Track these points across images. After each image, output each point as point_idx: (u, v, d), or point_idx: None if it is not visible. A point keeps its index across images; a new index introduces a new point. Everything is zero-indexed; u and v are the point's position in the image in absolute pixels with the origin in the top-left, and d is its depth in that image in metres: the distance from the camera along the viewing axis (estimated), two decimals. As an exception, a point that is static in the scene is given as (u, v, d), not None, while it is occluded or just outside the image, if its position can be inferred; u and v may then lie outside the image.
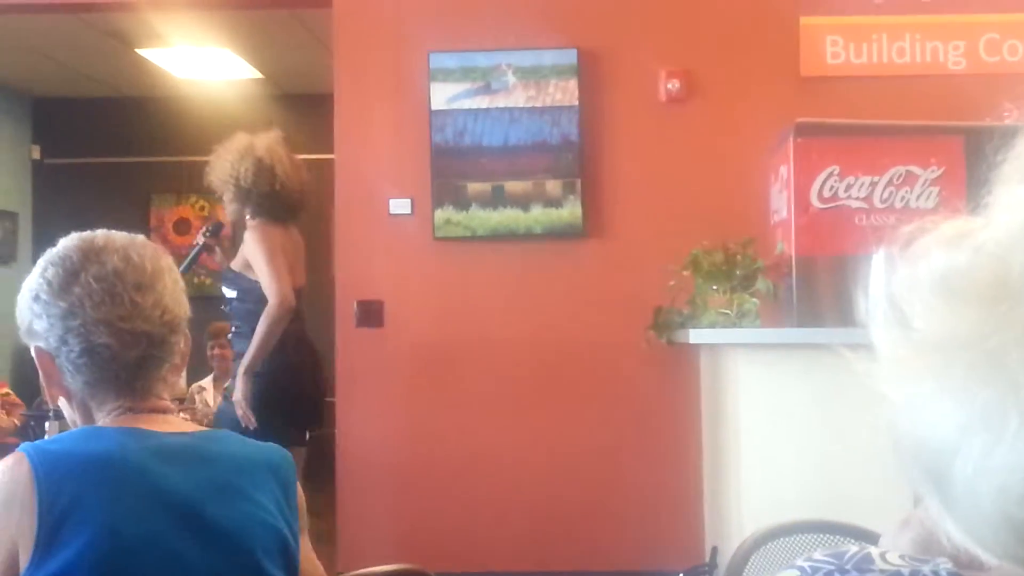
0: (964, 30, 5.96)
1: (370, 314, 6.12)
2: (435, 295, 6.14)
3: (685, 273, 5.00)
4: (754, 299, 4.77)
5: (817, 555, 0.76)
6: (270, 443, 2.05)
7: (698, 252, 4.95)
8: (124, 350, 1.88)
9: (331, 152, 6.40)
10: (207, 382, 7.63)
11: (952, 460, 0.68)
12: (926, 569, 0.73)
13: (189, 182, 10.70)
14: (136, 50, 9.15)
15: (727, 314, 4.77)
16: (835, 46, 6.02)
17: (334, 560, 5.59)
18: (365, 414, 6.14)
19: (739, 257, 4.88)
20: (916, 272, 0.72)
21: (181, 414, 7.06)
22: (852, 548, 0.76)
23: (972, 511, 0.68)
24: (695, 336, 4.78)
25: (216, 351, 7.53)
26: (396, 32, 6.26)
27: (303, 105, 9.90)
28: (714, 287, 4.86)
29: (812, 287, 4.62)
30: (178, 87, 10.20)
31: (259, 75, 9.95)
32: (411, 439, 6.11)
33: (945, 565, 0.73)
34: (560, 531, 5.98)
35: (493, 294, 6.10)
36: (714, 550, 4.89)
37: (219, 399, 7.21)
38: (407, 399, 6.12)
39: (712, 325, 4.80)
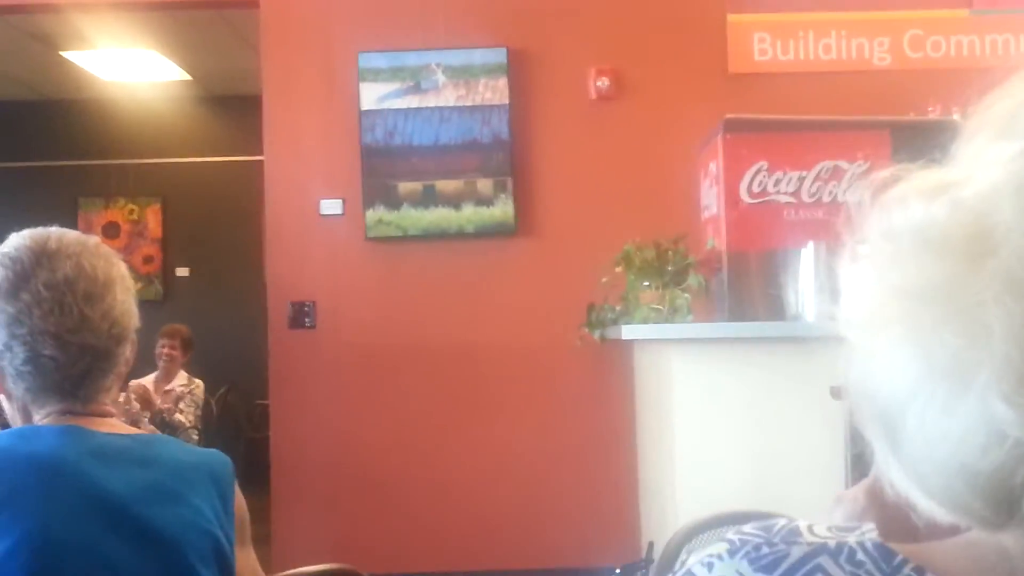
0: (889, 27, 6.03)
1: (302, 315, 6.09)
2: (368, 295, 6.12)
3: (617, 270, 5.01)
4: (686, 294, 4.79)
5: (747, 528, 0.76)
6: (212, 449, 2.03)
7: (630, 248, 4.96)
8: (69, 362, 1.85)
9: (260, 154, 6.35)
10: (148, 381, 7.52)
11: (908, 407, 0.68)
12: (851, 539, 0.72)
13: (117, 185, 10.61)
14: (60, 52, 9.03)
15: (659, 310, 4.78)
16: (762, 43, 6.08)
17: (269, 563, 5.52)
18: (299, 416, 6.10)
19: (670, 253, 4.90)
20: (892, 221, 0.72)
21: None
22: (781, 521, 0.76)
23: (924, 458, 0.68)
24: (628, 332, 4.79)
25: (165, 351, 7.43)
26: (324, 32, 6.23)
27: (231, 107, 9.84)
28: (646, 283, 4.88)
29: (743, 281, 4.65)
30: (104, 89, 10.08)
31: (187, 77, 9.85)
32: (345, 440, 6.08)
33: (870, 535, 0.73)
34: (496, 530, 5.98)
35: (426, 293, 6.09)
36: (650, 545, 4.91)
37: (159, 399, 7.14)
38: (341, 400, 6.09)
39: (644, 321, 4.81)
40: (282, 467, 6.11)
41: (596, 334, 5.41)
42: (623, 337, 4.88)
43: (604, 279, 5.14)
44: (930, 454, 0.68)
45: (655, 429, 5.03)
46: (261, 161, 6.36)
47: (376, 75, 6.12)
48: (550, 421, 6.01)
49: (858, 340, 0.73)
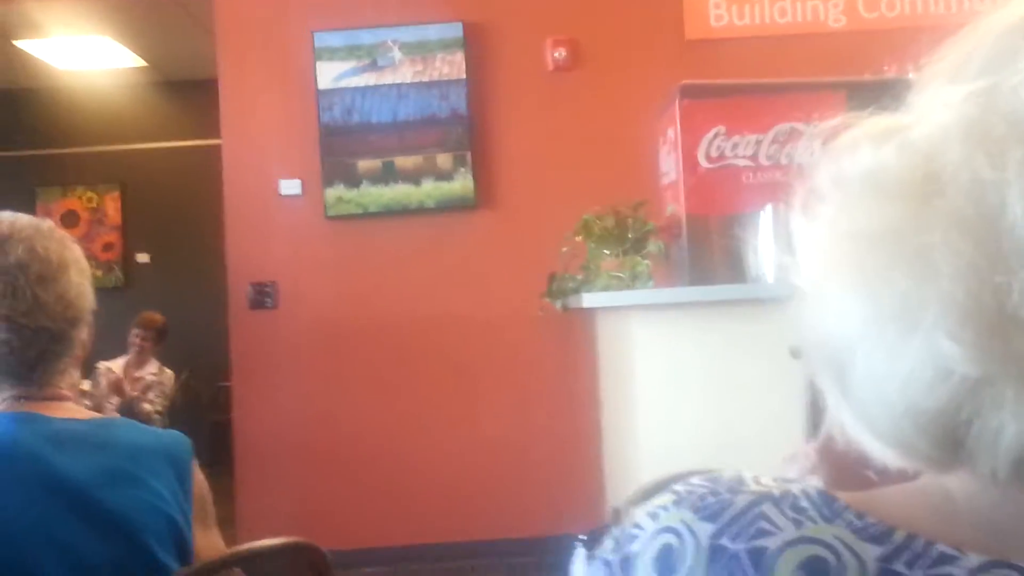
0: (843, -12, 6.05)
1: (264, 296, 6.07)
2: (329, 274, 6.10)
3: (577, 239, 5.00)
4: (646, 261, 4.79)
5: (693, 479, 0.77)
6: (170, 430, 2.02)
7: (589, 217, 4.95)
8: (24, 346, 1.84)
9: (218, 137, 6.31)
10: (117, 364, 7.46)
11: (858, 348, 0.69)
12: (795, 489, 0.74)
13: (75, 173, 10.54)
14: (13, 42, 8.94)
15: (620, 277, 4.78)
16: (718, 8, 6.09)
17: (235, 544, 5.52)
18: (262, 397, 6.09)
19: (630, 220, 4.89)
20: (841, 166, 0.72)
21: (84, 385, 6.95)
22: (727, 472, 0.77)
23: (873, 399, 0.69)
24: (589, 300, 4.78)
25: (137, 340, 7.40)
26: (278, 12, 6.19)
27: (188, 92, 9.79)
28: (606, 251, 4.87)
29: (703, 246, 4.65)
30: (59, 78, 10.00)
31: (142, 63, 9.78)
32: (309, 420, 6.06)
33: (814, 484, 0.74)
34: (463, 502, 5.99)
35: (387, 270, 6.07)
36: (615, 511, 4.91)
37: (128, 386, 7.11)
38: (304, 380, 6.07)
39: (606, 289, 4.80)
40: (246, 448, 6.10)
41: (558, 304, 5.40)
42: (584, 305, 4.88)
43: (564, 249, 5.14)
44: (879, 395, 0.69)
45: (618, 395, 5.04)
46: (219, 145, 6.31)
47: (332, 54, 6.10)
48: (514, 392, 6.01)
49: (810, 288, 0.74)
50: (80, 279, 1.90)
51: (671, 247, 4.82)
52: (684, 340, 4.44)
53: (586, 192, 5.49)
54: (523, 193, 6.07)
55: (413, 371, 6.05)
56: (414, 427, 6.03)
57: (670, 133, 4.91)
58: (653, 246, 4.81)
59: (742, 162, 4.68)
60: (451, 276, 6.05)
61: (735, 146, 4.70)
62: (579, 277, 5.19)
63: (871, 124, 0.73)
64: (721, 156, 4.69)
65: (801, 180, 0.75)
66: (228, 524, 5.65)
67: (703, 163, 4.69)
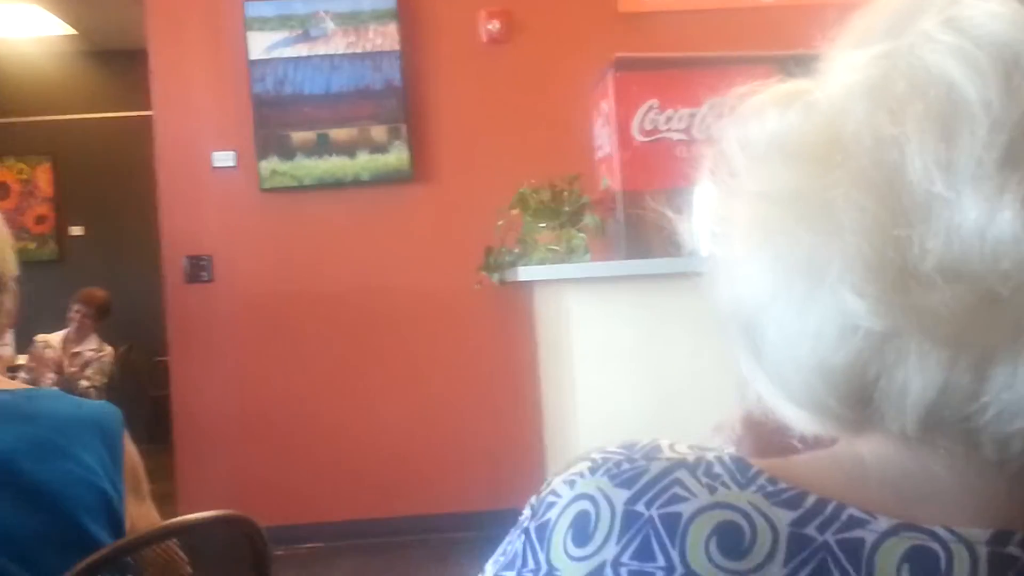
0: (775, -38, 6.07)
1: (199, 269, 6.03)
2: (265, 247, 6.07)
3: (513, 212, 5.01)
4: (582, 234, 4.81)
5: (610, 447, 0.78)
6: (99, 401, 1.99)
7: (525, 191, 4.96)
8: None
9: (150, 109, 6.24)
10: (55, 339, 7.38)
11: (768, 310, 0.70)
12: (710, 456, 0.74)
13: (5, 144, 10.37)
14: (-62, 10, 8.78)
15: (556, 250, 4.80)
16: (651, -19, 6.09)
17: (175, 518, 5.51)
18: (199, 371, 6.06)
19: (566, 194, 4.90)
20: (748, 131, 0.73)
21: (21, 360, 6.87)
22: (643, 440, 0.78)
23: (784, 359, 0.70)
24: (525, 274, 4.80)
25: (77, 316, 7.32)
26: (209, -19, 6.12)
27: (119, 61, 9.66)
28: (542, 224, 4.88)
29: (638, 220, 4.67)
30: (-14, 47, 9.83)
31: (72, 31, 9.63)
32: (247, 394, 6.04)
33: (729, 451, 0.75)
34: (405, 477, 6.00)
35: (323, 243, 6.05)
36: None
37: (67, 361, 7.05)
38: (242, 353, 6.05)
39: (542, 262, 4.82)
40: (184, 423, 6.07)
41: (495, 277, 5.42)
42: (521, 279, 4.89)
43: (500, 222, 5.15)
44: (790, 355, 0.70)
45: (556, 368, 5.06)
46: (151, 116, 6.25)
47: (263, 24, 6.04)
48: (453, 366, 6.02)
49: (720, 252, 0.75)
50: (1, 243, 1.88)
51: (607, 220, 4.84)
52: (620, 313, 4.47)
53: (522, 165, 5.49)
54: (459, 166, 6.07)
55: (350, 345, 6.05)
56: (351, 402, 6.03)
57: (604, 106, 4.92)
58: (589, 219, 4.83)
59: (676, 136, 4.70)
60: (387, 249, 6.04)
61: (669, 120, 4.72)
62: (515, 250, 5.20)
63: (776, 89, 0.74)
64: (655, 130, 4.71)
65: (710, 148, 0.76)
66: (169, 500, 5.64)
67: (637, 137, 4.71)
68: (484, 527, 5.30)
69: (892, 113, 0.67)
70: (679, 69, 4.93)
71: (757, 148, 0.72)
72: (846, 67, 0.71)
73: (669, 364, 4.36)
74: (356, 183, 6.04)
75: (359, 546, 5.89)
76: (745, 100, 0.74)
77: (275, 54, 6.05)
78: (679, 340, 4.32)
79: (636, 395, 4.40)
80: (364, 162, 6.02)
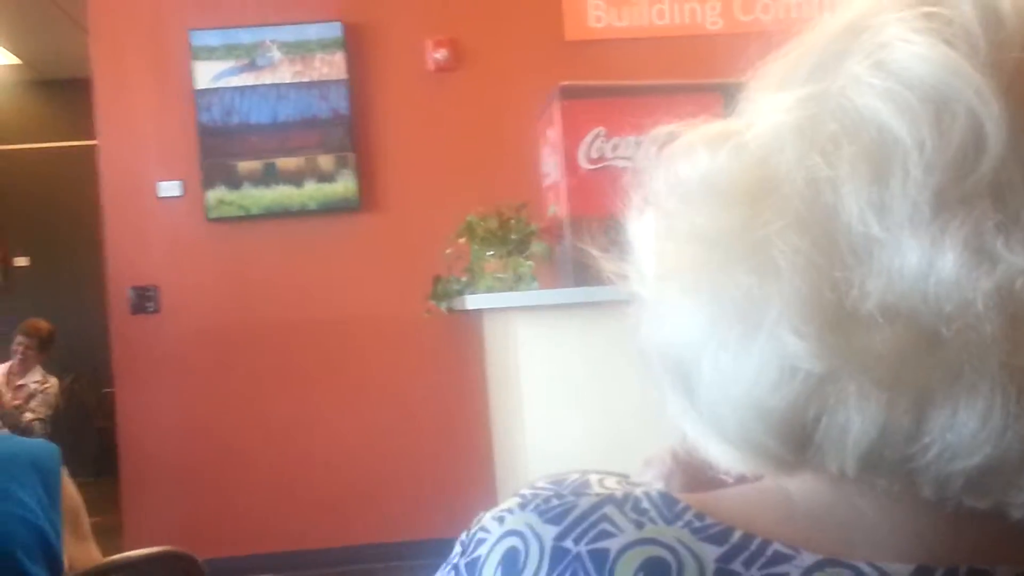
0: (720, -9, 6.13)
1: (145, 300, 5.98)
2: (211, 277, 6.03)
3: (461, 241, 5.01)
4: (529, 262, 4.81)
5: (539, 483, 0.78)
6: (36, 439, 1.98)
7: (472, 219, 4.96)
8: None
9: (95, 138, 6.19)
10: (1, 370, 7.29)
11: (703, 352, 0.70)
12: (638, 491, 0.75)
13: (-52, 175, 10.26)
14: None
15: (503, 278, 4.80)
16: (597, 10, 6.12)
17: (121, 552, 5.44)
18: (145, 403, 6.00)
19: (513, 222, 4.91)
20: (678, 171, 0.73)
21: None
22: (573, 475, 0.78)
23: (720, 401, 0.70)
24: (473, 302, 4.80)
25: (20, 348, 7.23)
26: (154, 10, 6.09)
27: (64, 90, 9.59)
28: (490, 253, 4.88)
29: (595, 256, 4.68)
30: (-72, 76, 9.75)
31: (15, 60, 9.56)
32: (193, 426, 5.99)
33: (657, 486, 0.75)
34: (355, 506, 5.96)
35: (271, 273, 6.02)
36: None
37: (10, 394, 6.96)
38: (188, 384, 6.00)
39: (489, 290, 4.82)
40: (130, 455, 6.01)
41: (443, 306, 5.41)
42: (469, 307, 4.89)
43: (448, 251, 5.14)
44: (727, 396, 0.69)
45: (505, 396, 5.06)
46: (96, 146, 6.20)
47: (209, 53, 6.02)
48: (402, 395, 6.00)
49: (649, 293, 0.74)
50: None
51: (554, 248, 4.85)
52: (568, 341, 4.47)
53: (469, 193, 5.50)
54: (406, 194, 6.06)
55: (298, 375, 6.01)
56: (299, 432, 5.99)
57: (550, 134, 4.93)
58: (536, 247, 4.83)
59: (623, 163, 4.71)
60: (335, 279, 6.02)
61: (615, 147, 4.73)
62: (463, 279, 5.20)
63: (706, 129, 0.74)
64: (602, 157, 4.73)
65: (637, 186, 0.76)
66: (115, 533, 5.58)
67: (584, 164, 4.72)
68: (435, 555, 5.27)
69: (825, 155, 0.67)
70: (625, 97, 4.95)
71: (688, 189, 0.72)
72: (773, 108, 0.71)
73: (618, 391, 4.36)
74: (303, 212, 6.01)
75: (309, 576, 5.85)
76: (673, 139, 0.75)
77: (221, 83, 6.03)
78: (627, 367, 4.32)
79: (585, 422, 4.40)
80: (311, 191, 6.01)
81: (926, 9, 0.68)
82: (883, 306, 0.64)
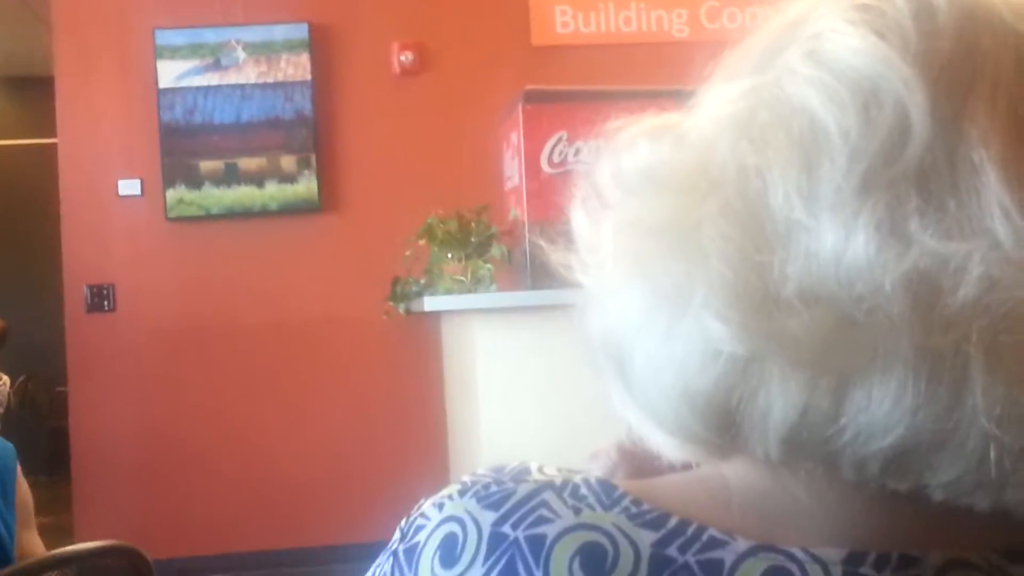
0: (686, -1, 6.15)
1: (101, 298, 5.93)
2: (170, 276, 5.99)
3: (421, 243, 5.00)
4: (489, 265, 4.80)
5: (480, 470, 0.80)
6: None
7: (433, 221, 4.96)
8: None
9: (54, 136, 6.14)
10: None
11: (637, 338, 0.71)
12: (577, 478, 0.76)
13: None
14: None
15: (462, 281, 4.79)
16: (564, 15, 6.13)
17: (71, 553, 5.39)
18: (99, 402, 5.94)
19: (473, 224, 4.91)
20: (621, 163, 0.75)
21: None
22: (513, 463, 0.79)
23: (652, 387, 0.71)
24: (431, 304, 4.79)
25: None
26: (118, 8, 6.06)
27: (24, 88, 9.53)
28: (449, 255, 4.88)
29: (545, 251, 4.67)
30: None
31: (-23, 58, 9.51)
32: (148, 426, 5.94)
33: (596, 474, 0.77)
34: (310, 507, 5.93)
35: (231, 273, 5.98)
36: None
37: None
38: (144, 385, 5.95)
39: (448, 292, 4.81)
40: (83, 454, 5.95)
41: (401, 307, 5.40)
42: (427, 309, 4.88)
43: (408, 252, 5.13)
44: (657, 381, 0.71)
45: (462, 398, 5.05)
46: (55, 144, 6.15)
47: (174, 52, 5.99)
48: (359, 397, 5.98)
49: (591, 283, 0.76)
50: None
51: (514, 251, 4.84)
52: (526, 343, 4.47)
53: (431, 196, 5.49)
54: (368, 196, 6.05)
55: (255, 376, 5.98)
56: (256, 432, 5.96)
57: (513, 138, 4.93)
58: (496, 250, 4.83)
59: (584, 168, 4.72)
60: (295, 280, 6.00)
61: (577, 151, 4.74)
62: (422, 281, 5.19)
63: (648, 122, 0.76)
64: (563, 161, 4.73)
65: (585, 179, 0.78)
66: (66, 532, 5.52)
67: (545, 168, 4.73)
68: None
69: (754, 143, 0.68)
70: (589, 102, 4.95)
71: (629, 180, 0.74)
72: (717, 101, 0.73)
73: (575, 393, 4.35)
74: (264, 213, 5.98)
75: (263, 576, 5.82)
76: (619, 133, 0.77)
77: (185, 83, 5.99)
78: (584, 369, 4.31)
79: (542, 424, 4.39)
80: (273, 192, 5.98)
81: (861, 1, 0.70)
82: (801, 289, 0.65)
